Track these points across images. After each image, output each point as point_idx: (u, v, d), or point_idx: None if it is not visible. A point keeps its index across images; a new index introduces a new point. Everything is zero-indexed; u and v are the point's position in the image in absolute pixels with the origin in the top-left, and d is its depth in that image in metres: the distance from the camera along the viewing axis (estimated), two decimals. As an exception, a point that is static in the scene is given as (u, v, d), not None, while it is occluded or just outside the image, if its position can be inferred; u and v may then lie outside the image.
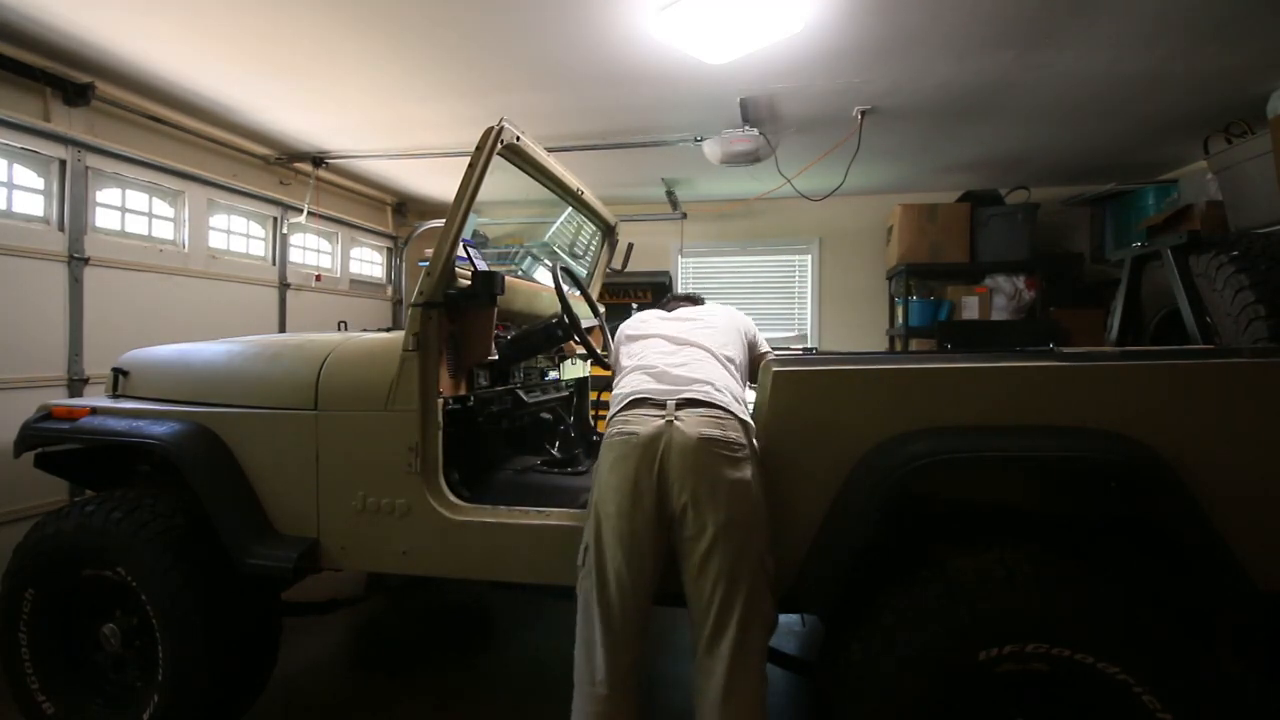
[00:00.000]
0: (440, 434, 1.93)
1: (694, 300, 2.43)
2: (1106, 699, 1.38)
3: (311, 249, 5.02)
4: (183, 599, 1.91)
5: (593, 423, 3.31)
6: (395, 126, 3.97)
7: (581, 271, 3.21)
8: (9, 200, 2.98)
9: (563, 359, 2.92)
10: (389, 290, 5.92)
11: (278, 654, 2.17)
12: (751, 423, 1.66)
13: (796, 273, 5.86)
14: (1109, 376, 1.51)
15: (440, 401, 1.93)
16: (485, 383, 2.26)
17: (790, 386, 1.65)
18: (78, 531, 1.98)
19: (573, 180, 2.59)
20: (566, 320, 2.19)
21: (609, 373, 2.33)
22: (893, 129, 3.87)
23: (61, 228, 3.14)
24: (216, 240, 4.11)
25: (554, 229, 3.38)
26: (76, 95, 3.19)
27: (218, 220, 4.14)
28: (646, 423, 1.61)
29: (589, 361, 3.16)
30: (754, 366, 2.03)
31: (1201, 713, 1.33)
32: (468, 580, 1.98)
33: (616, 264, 3.35)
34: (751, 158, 3.87)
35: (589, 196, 2.78)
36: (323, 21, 2.70)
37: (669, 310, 2.27)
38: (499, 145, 1.93)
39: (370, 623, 3.16)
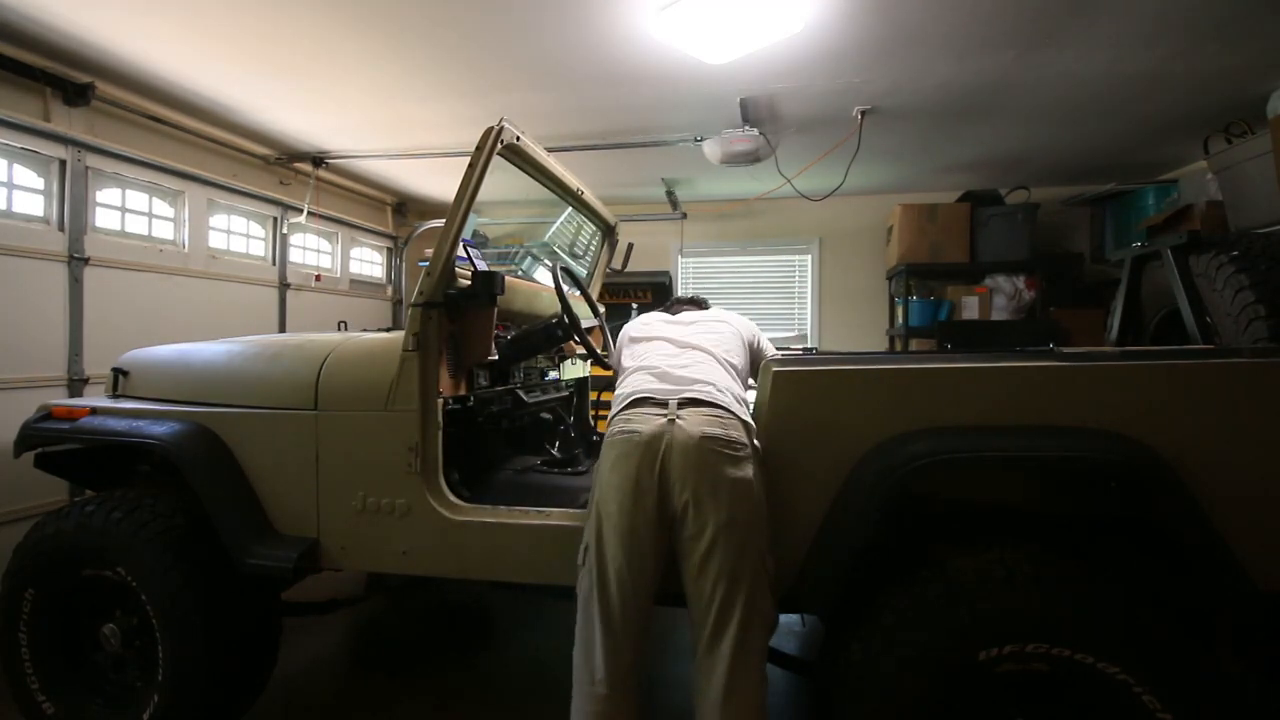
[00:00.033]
0: (440, 434, 1.93)
1: (698, 303, 2.44)
2: (1106, 699, 1.38)
3: (311, 249, 5.02)
4: (183, 599, 1.91)
5: (593, 423, 3.31)
6: (395, 126, 3.98)
7: (581, 271, 3.21)
8: (9, 200, 2.98)
9: (563, 359, 2.92)
10: (389, 290, 5.92)
11: (278, 654, 2.17)
12: (753, 423, 1.66)
13: (796, 273, 5.86)
14: (1109, 376, 1.51)
15: (440, 401, 1.93)
16: (485, 383, 2.26)
17: (790, 386, 1.65)
18: (78, 531, 1.98)
19: (573, 180, 2.59)
20: (566, 320, 2.19)
21: (609, 373, 2.34)
22: (893, 129, 3.87)
23: (61, 228, 3.14)
24: (216, 240, 4.11)
25: (554, 229, 3.38)
26: (76, 95, 3.19)
27: (218, 220, 4.14)
28: (648, 421, 1.62)
29: (589, 361, 3.16)
30: (756, 369, 2.02)
31: (1201, 713, 1.33)
32: (468, 580, 1.98)
33: (616, 264, 3.36)
34: (751, 158, 3.87)
35: (589, 196, 2.78)
36: (323, 21, 2.70)
37: (673, 313, 2.28)
38: (499, 145, 1.93)
39: (370, 623, 3.16)
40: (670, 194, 5.38)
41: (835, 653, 1.61)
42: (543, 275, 3.32)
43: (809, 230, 5.70)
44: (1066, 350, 1.68)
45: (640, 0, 2.49)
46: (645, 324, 2.14)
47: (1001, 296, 4.81)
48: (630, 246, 3.33)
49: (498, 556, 1.87)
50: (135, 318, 3.45)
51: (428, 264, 1.93)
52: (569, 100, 3.50)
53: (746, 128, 3.71)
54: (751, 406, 1.73)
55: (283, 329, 4.56)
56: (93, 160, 3.28)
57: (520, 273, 3.63)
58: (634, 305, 5.04)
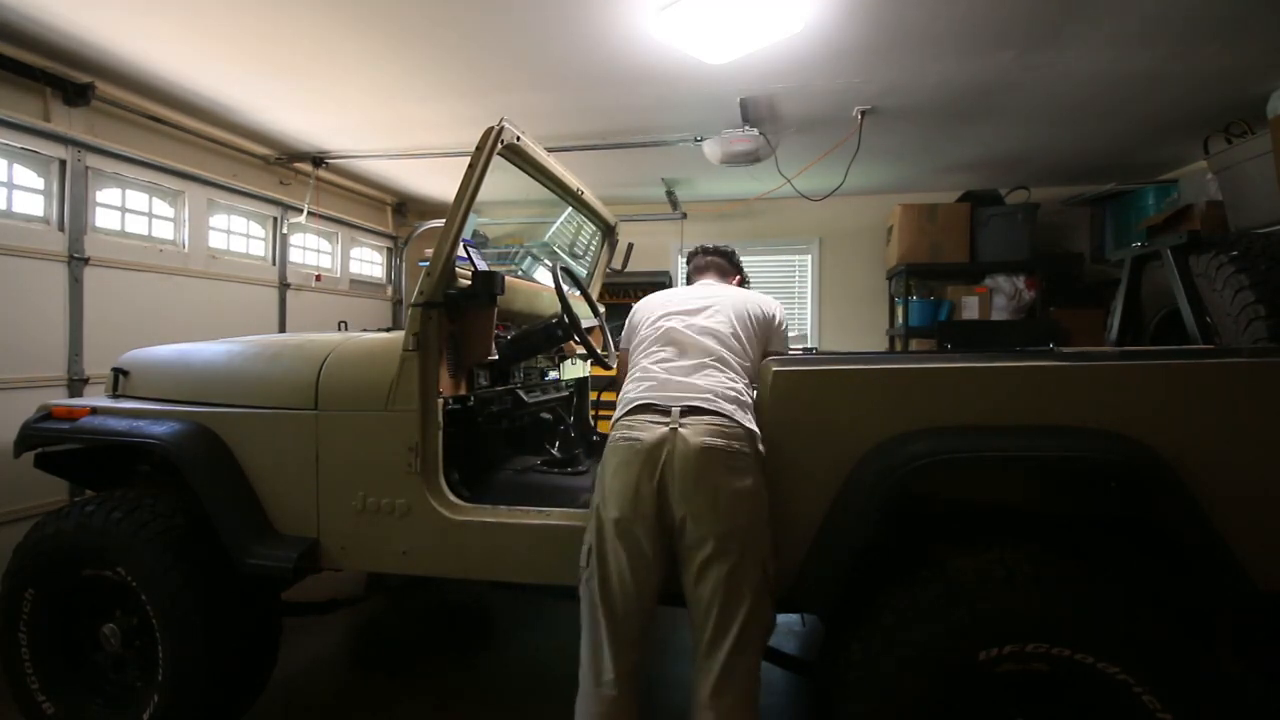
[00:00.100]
0: (440, 434, 1.93)
1: (722, 253, 2.24)
2: (1106, 699, 1.38)
3: (311, 249, 5.02)
4: (183, 599, 1.91)
5: (593, 423, 3.31)
6: (395, 126, 3.97)
7: (581, 271, 3.21)
8: (9, 200, 2.98)
9: (563, 359, 2.92)
10: (389, 290, 5.92)
11: (278, 654, 2.17)
12: (757, 430, 1.64)
13: (796, 273, 5.86)
14: (1109, 376, 1.51)
15: (440, 401, 1.93)
16: (485, 383, 2.26)
17: (790, 386, 1.65)
18: (78, 531, 1.98)
19: (573, 180, 2.59)
20: (566, 320, 2.19)
21: (609, 372, 2.33)
22: (893, 129, 3.87)
23: (61, 228, 3.13)
24: (216, 240, 4.11)
25: (554, 229, 3.38)
26: (76, 95, 3.19)
27: (218, 220, 4.14)
28: (650, 429, 1.61)
29: (589, 361, 3.15)
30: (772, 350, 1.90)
31: (1201, 713, 1.33)
32: (468, 580, 1.98)
33: (616, 264, 3.35)
34: (751, 158, 3.87)
35: (589, 196, 2.78)
36: (323, 21, 2.69)
37: (695, 269, 2.20)
38: (499, 145, 1.92)
39: (370, 623, 3.16)
40: (670, 194, 5.38)
41: (835, 653, 1.61)
42: (543, 275, 3.32)
43: (809, 230, 5.70)
44: (1066, 350, 1.68)
45: (640, 0, 2.49)
46: (654, 307, 1.98)
47: (1001, 296, 4.81)
48: (630, 246, 3.33)
49: (498, 556, 1.87)
50: (135, 318, 3.45)
51: (428, 264, 1.93)
52: (569, 100, 3.50)
53: (746, 128, 3.71)
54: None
55: (283, 329, 4.56)
56: (93, 160, 3.28)
57: (520, 273, 3.63)
58: (634, 305, 5.04)
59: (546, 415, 2.92)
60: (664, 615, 1.73)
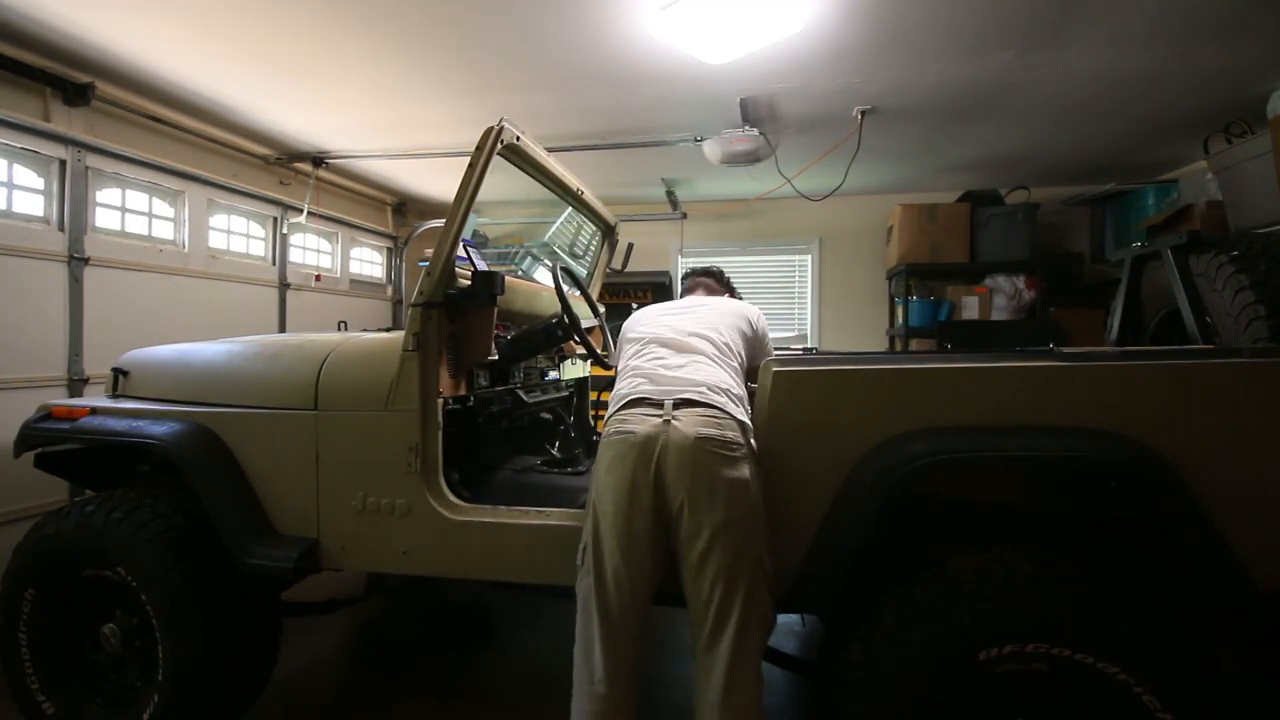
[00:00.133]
0: (440, 434, 1.93)
1: (712, 274, 2.40)
2: (1106, 699, 1.38)
3: (311, 249, 5.02)
4: (183, 599, 1.91)
5: (593, 423, 3.31)
6: (395, 126, 3.97)
7: (581, 271, 3.21)
8: (9, 200, 2.98)
9: (563, 359, 2.92)
10: (389, 290, 5.92)
11: (278, 654, 2.17)
12: (749, 423, 1.66)
13: (796, 273, 5.86)
14: (1109, 376, 1.51)
15: (440, 401, 1.93)
16: (485, 383, 2.26)
17: (790, 386, 1.65)
18: (78, 531, 1.98)
19: (573, 180, 2.59)
20: (566, 320, 2.19)
21: (609, 372, 2.33)
22: (893, 129, 3.87)
23: (61, 228, 3.13)
24: (216, 240, 4.11)
25: (554, 229, 3.38)
26: (76, 95, 3.19)
27: (218, 220, 4.14)
28: (644, 422, 1.62)
29: (589, 361, 3.16)
30: (754, 369, 1.96)
31: (1201, 713, 1.33)
32: (468, 580, 1.98)
33: (616, 264, 3.35)
34: (751, 158, 3.87)
35: (589, 196, 2.78)
36: (323, 21, 2.69)
37: (681, 295, 2.26)
38: (499, 145, 1.93)
39: (370, 623, 3.16)
40: (670, 194, 5.38)
41: (835, 653, 1.61)
42: (543, 275, 3.32)
43: (809, 230, 5.70)
44: (1066, 350, 1.68)
45: (640, 0, 2.49)
46: (643, 320, 2.07)
47: (1001, 296, 4.81)
48: (630, 246, 3.33)
49: (498, 556, 1.87)
50: (135, 318, 3.45)
51: (428, 264, 1.93)
52: (569, 100, 3.50)
53: (746, 128, 3.71)
54: (748, 405, 1.73)
55: (283, 329, 4.56)
56: (93, 160, 3.28)
57: (520, 273, 3.63)
58: (634, 305, 5.03)
59: (546, 415, 2.92)
60: (663, 615, 1.74)
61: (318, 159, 4.53)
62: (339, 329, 4.23)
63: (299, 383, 2.03)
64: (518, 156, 2.13)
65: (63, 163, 3.15)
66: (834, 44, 2.84)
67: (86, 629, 2.09)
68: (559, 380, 2.94)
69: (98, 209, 3.36)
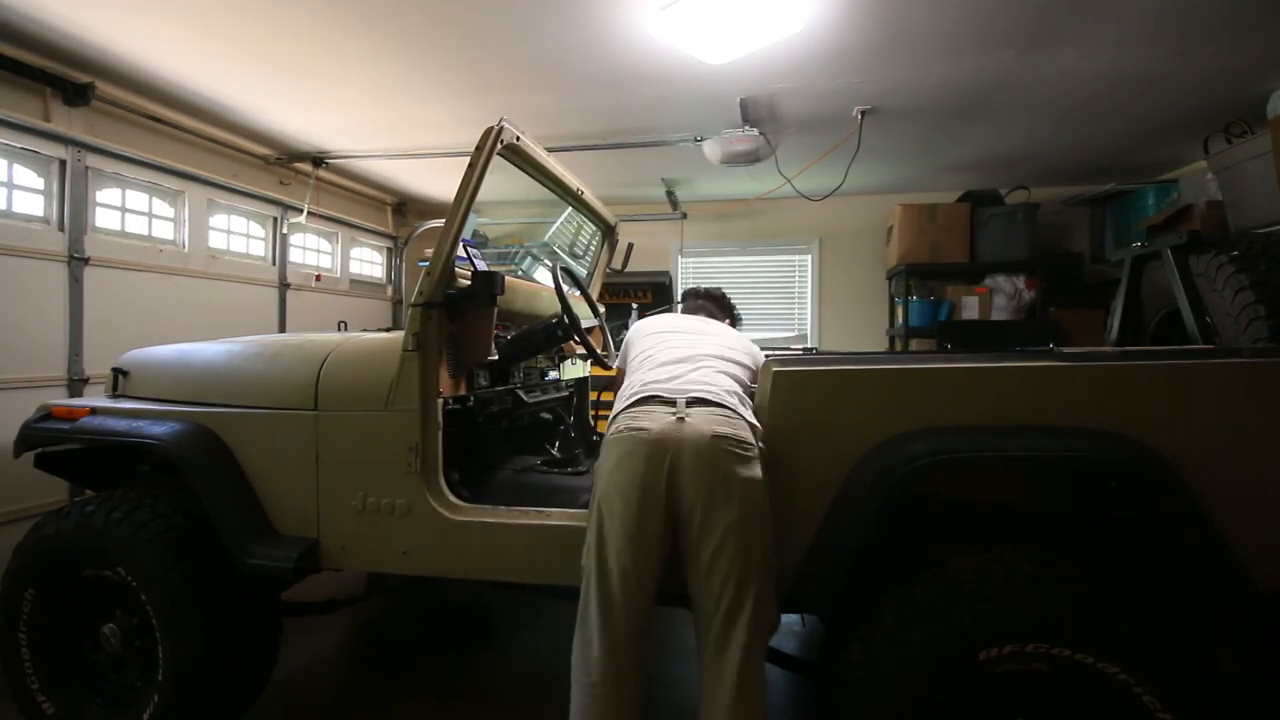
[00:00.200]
0: (440, 434, 1.93)
1: (713, 297, 2.42)
2: (1106, 699, 1.38)
3: (311, 249, 5.02)
4: (183, 599, 1.90)
5: (593, 423, 3.31)
6: (395, 126, 3.97)
7: (581, 271, 3.21)
8: (9, 200, 2.98)
9: (563, 359, 2.92)
10: (389, 290, 5.92)
11: (278, 654, 2.17)
12: (758, 425, 1.66)
13: (796, 273, 5.86)
14: (1109, 376, 1.51)
15: (440, 401, 1.93)
16: (485, 383, 2.26)
17: (790, 386, 1.65)
18: (78, 531, 1.98)
19: (573, 180, 2.59)
20: (566, 320, 2.19)
21: (609, 372, 2.34)
22: (893, 129, 3.87)
23: (61, 228, 3.13)
24: (216, 240, 4.11)
25: (554, 229, 3.38)
26: (76, 95, 3.19)
27: (218, 220, 4.14)
28: (656, 420, 1.61)
29: (589, 361, 3.16)
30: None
31: (1201, 713, 1.33)
32: (468, 580, 1.98)
33: (616, 264, 3.36)
34: (751, 158, 3.87)
35: (589, 196, 2.78)
36: (323, 21, 2.69)
37: (688, 310, 2.27)
38: (499, 145, 1.93)
39: (370, 623, 3.16)
40: (670, 194, 5.38)
41: (835, 653, 1.61)
42: (543, 275, 3.32)
43: (809, 230, 5.70)
44: (1066, 350, 1.68)
45: (640, 0, 2.49)
46: (652, 327, 2.10)
47: (1001, 296, 4.81)
48: (630, 246, 3.33)
49: (498, 556, 1.87)
50: (135, 318, 3.45)
51: (428, 264, 1.92)
52: (569, 100, 3.50)
53: (746, 128, 3.71)
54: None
55: (283, 329, 4.56)
56: (93, 160, 3.28)
57: (520, 273, 3.63)
58: (634, 305, 5.05)
59: (546, 415, 2.92)
60: (663, 615, 1.73)
61: (318, 159, 4.53)
62: (339, 329, 4.23)
63: (299, 383, 2.03)
64: (518, 156, 2.13)
65: (63, 163, 3.15)
66: (834, 44, 2.84)
67: (86, 629, 2.08)
68: (559, 380, 2.94)
69: (98, 209, 3.36)
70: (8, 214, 2.96)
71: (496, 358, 2.15)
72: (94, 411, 2.16)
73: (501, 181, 2.07)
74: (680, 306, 2.49)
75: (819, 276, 5.75)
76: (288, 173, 4.65)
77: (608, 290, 3.59)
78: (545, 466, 2.50)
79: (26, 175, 3.07)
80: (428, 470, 1.91)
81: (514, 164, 2.17)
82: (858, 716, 1.46)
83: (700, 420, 1.59)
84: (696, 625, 1.56)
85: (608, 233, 3.23)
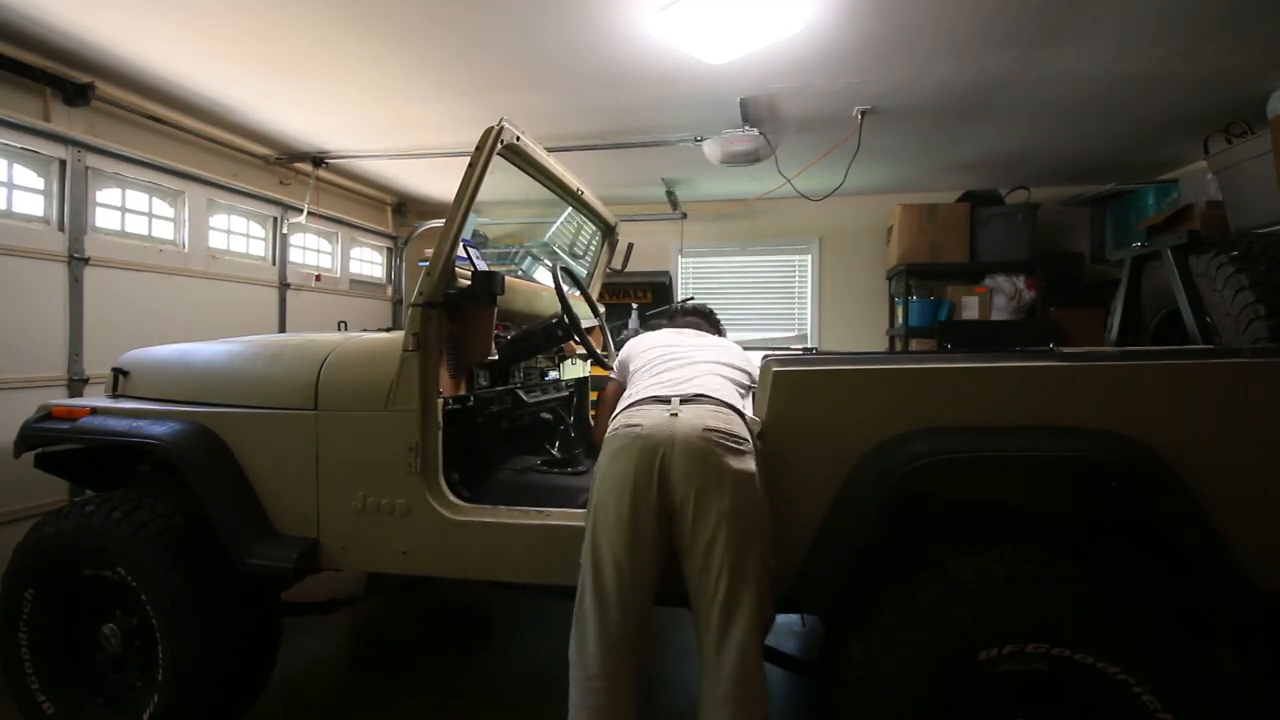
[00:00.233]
0: (440, 434, 1.93)
1: (702, 314, 2.46)
2: (1106, 699, 1.38)
3: (311, 249, 5.02)
4: (183, 599, 1.90)
5: (592, 423, 3.31)
6: (395, 126, 3.98)
7: (581, 271, 3.21)
8: (9, 200, 2.98)
9: (563, 359, 2.92)
10: (389, 290, 5.92)
11: (278, 654, 2.17)
12: (756, 419, 1.67)
13: (796, 273, 5.86)
14: (1109, 376, 1.51)
15: (440, 401, 1.93)
16: (485, 383, 2.26)
17: (790, 386, 1.65)
18: (78, 531, 1.98)
19: (573, 180, 2.59)
20: (566, 320, 2.19)
21: (609, 372, 2.34)
22: (893, 129, 3.87)
23: (61, 228, 3.13)
24: (216, 240, 4.11)
25: (554, 229, 3.38)
26: (76, 95, 3.19)
27: (218, 220, 4.14)
28: (651, 416, 1.63)
29: (589, 361, 3.16)
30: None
31: (1201, 713, 1.33)
32: (468, 580, 1.98)
33: (616, 264, 3.36)
34: (751, 158, 3.87)
35: (589, 196, 2.78)
36: (323, 21, 2.69)
37: (677, 325, 2.29)
38: (499, 145, 1.93)
39: (370, 623, 3.16)
40: (670, 194, 5.38)
41: (835, 653, 1.61)
42: (543, 275, 3.32)
43: (809, 230, 5.70)
44: (1066, 350, 1.68)
45: (640, 0, 2.49)
46: (650, 342, 2.15)
47: (1001, 296, 4.81)
48: (630, 246, 3.33)
49: (498, 556, 1.87)
50: (135, 318, 3.45)
51: (428, 264, 1.93)
52: (569, 100, 3.50)
53: (746, 128, 3.71)
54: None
55: (283, 329, 4.56)
56: (93, 160, 3.28)
57: (520, 273, 3.63)
58: (634, 305, 5.04)
59: (546, 415, 2.92)
60: (663, 615, 1.73)
61: (318, 159, 4.53)
62: (339, 329, 4.23)
63: (299, 383, 2.03)
64: (518, 156, 2.13)
65: (63, 163, 3.15)
66: (834, 44, 2.84)
67: (86, 629, 2.08)
68: (559, 380, 2.94)
69: (98, 209, 3.36)
70: (8, 214, 2.96)
71: (496, 358, 2.15)
72: (94, 411, 2.16)
73: (501, 181, 2.07)
74: (669, 322, 2.53)
75: (819, 276, 5.75)
76: (288, 173, 4.65)
77: (608, 290, 3.59)
78: (545, 466, 2.50)
79: (26, 175, 3.07)
80: (428, 470, 1.91)
81: (514, 164, 2.17)
82: (858, 716, 1.46)
83: (692, 415, 1.61)
84: (695, 622, 1.56)
85: (608, 233, 3.23)
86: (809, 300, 5.80)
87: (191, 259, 3.86)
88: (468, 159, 1.90)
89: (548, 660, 2.73)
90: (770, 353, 1.84)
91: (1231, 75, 3.08)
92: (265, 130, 4.07)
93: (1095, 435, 1.48)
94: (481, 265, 2.00)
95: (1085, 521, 1.71)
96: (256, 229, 4.48)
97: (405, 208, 6.06)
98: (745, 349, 2.16)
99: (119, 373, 2.38)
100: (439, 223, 1.98)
